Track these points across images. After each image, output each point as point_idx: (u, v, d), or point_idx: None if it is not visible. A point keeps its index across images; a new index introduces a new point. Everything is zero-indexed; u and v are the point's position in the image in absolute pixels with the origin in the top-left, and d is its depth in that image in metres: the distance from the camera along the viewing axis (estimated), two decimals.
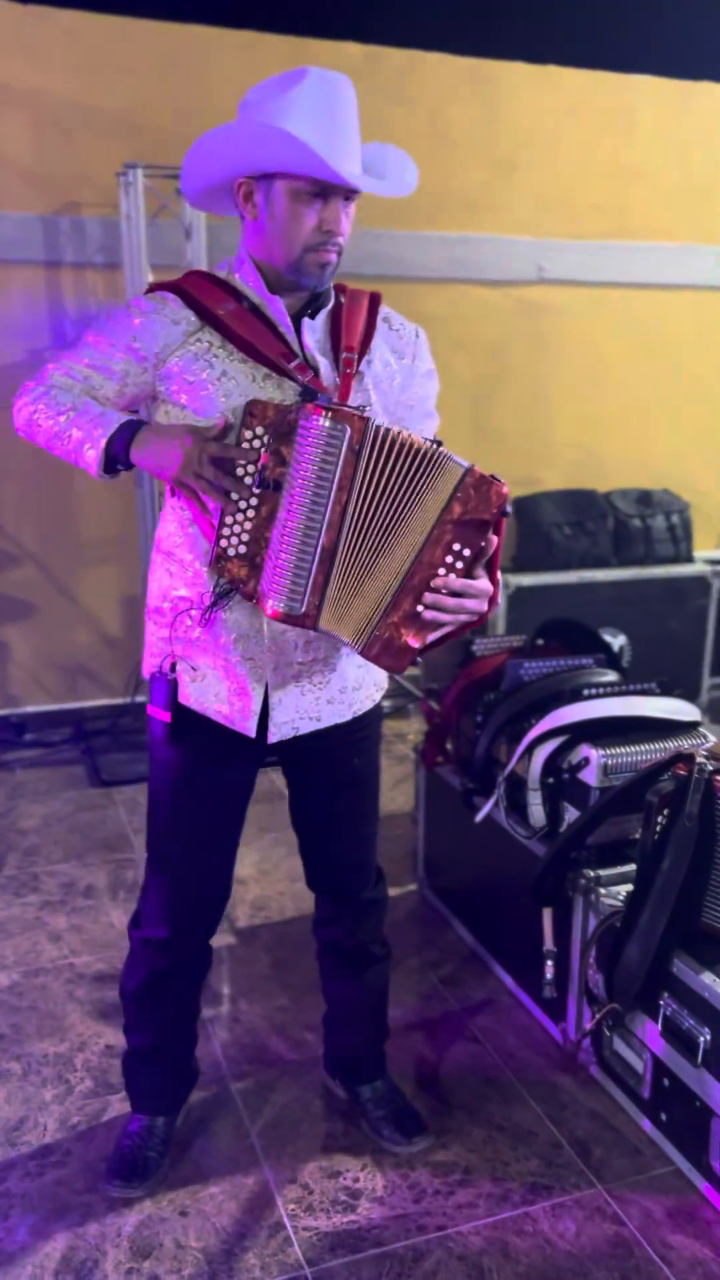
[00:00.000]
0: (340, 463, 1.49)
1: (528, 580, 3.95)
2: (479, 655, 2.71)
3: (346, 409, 1.51)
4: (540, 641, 2.73)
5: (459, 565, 1.54)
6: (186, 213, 3.52)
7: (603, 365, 4.42)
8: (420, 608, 1.54)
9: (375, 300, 1.72)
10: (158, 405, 1.66)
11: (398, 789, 3.47)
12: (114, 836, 3.20)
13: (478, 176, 4.08)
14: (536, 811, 2.29)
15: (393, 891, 2.85)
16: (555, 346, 4.34)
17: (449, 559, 1.53)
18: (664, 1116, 1.98)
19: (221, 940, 2.65)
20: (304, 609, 1.54)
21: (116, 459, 1.58)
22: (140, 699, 4.01)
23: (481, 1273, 1.74)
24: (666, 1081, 1.94)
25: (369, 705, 1.81)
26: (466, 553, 1.53)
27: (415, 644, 1.56)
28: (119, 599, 3.98)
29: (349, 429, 1.48)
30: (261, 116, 1.52)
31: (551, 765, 2.26)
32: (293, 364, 1.59)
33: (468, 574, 1.55)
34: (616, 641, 4.02)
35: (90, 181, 3.63)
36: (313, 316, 1.65)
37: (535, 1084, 2.17)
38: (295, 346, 1.62)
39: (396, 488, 1.51)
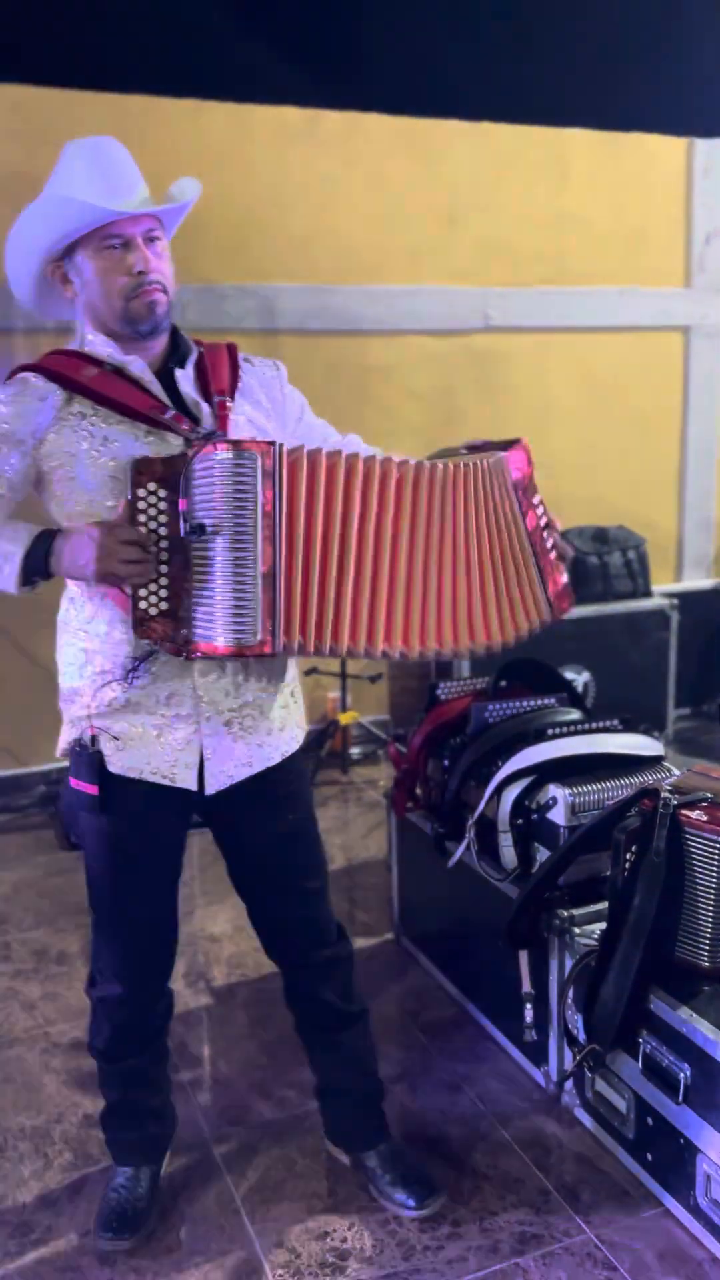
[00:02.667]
0: (258, 489, 1.51)
1: None
2: (443, 699, 2.73)
3: (244, 440, 1.53)
4: (503, 683, 2.76)
5: (541, 509, 1.82)
6: None
7: (551, 407, 4.50)
8: (552, 553, 1.83)
9: (233, 348, 1.78)
10: (45, 490, 1.67)
11: (370, 836, 3.46)
12: (85, 900, 3.15)
13: (420, 229, 4.18)
14: (508, 853, 2.30)
15: (369, 940, 2.85)
16: (504, 391, 4.42)
17: (539, 510, 1.81)
18: (649, 1156, 1.97)
19: (198, 1000, 2.62)
20: (258, 636, 1.53)
21: (35, 572, 1.59)
22: None
23: None
24: (650, 1120, 1.94)
25: (294, 747, 1.83)
26: (538, 497, 1.82)
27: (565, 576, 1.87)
28: None
29: (258, 454, 1.50)
30: (38, 199, 1.62)
31: (520, 806, 2.27)
32: (168, 414, 1.62)
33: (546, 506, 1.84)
34: (580, 679, 4.06)
35: None
36: (182, 366, 1.69)
37: (520, 1130, 2.16)
38: (164, 398, 1.65)
39: (471, 507, 1.68)
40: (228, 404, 1.67)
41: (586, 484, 4.56)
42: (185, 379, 1.68)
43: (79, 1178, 2.07)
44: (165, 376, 1.68)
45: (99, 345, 1.67)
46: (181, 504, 1.53)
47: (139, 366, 1.66)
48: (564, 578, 1.83)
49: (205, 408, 1.67)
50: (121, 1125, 1.97)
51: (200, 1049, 2.45)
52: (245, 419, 1.71)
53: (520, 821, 2.27)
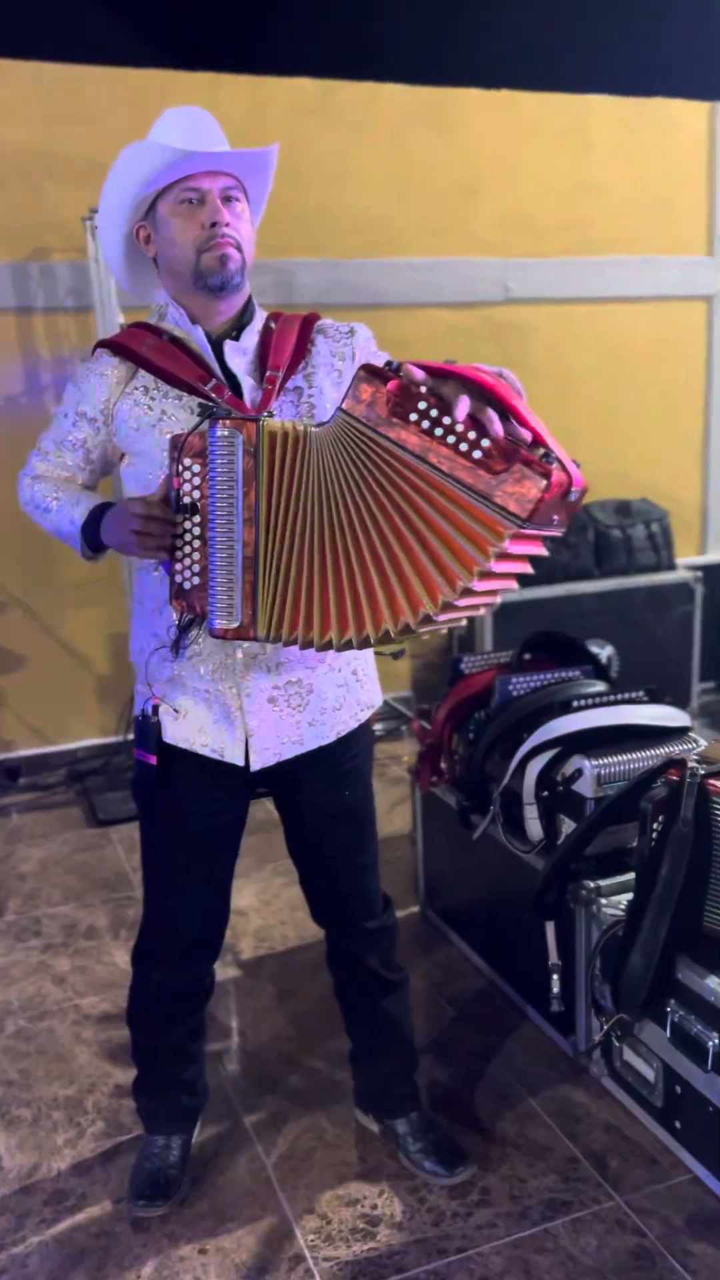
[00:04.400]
0: (239, 467, 1.48)
1: (512, 596, 3.97)
2: (467, 673, 2.73)
3: (243, 416, 1.52)
4: (527, 656, 2.75)
5: (434, 411, 1.34)
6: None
7: (573, 379, 4.46)
8: (475, 454, 1.32)
9: (309, 320, 1.75)
10: (120, 462, 1.73)
11: (394, 811, 3.47)
12: (113, 875, 3.19)
13: (440, 201, 4.14)
14: (533, 826, 2.30)
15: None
16: (525, 364, 4.38)
17: (425, 425, 1.35)
18: (678, 1124, 1.97)
19: (226, 973, 2.64)
20: (240, 621, 1.52)
21: (93, 546, 1.69)
22: (132, 736, 4.01)
23: None
24: (678, 1088, 1.94)
25: (354, 725, 1.81)
26: (421, 405, 1.35)
27: (516, 451, 1.32)
28: (106, 638, 3.99)
29: (240, 433, 1.48)
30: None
31: (545, 779, 2.27)
32: (209, 385, 1.62)
33: (442, 407, 1.35)
34: (604, 652, 4.05)
35: (58, 227, 3.66)
36: (236, 338, 1.68)
37: (548, 1099, 2.17)
38: (215, 369, 1.65)
39: (303, 473, 1.45)
40: (276, 379, 1.65)
41: (609, 456, 4.53)
42: (234, 351, 1.67)
43: (111, 1146, 2.10)
44: (220, 348, 1.68)
45: (170, 315, 1.69)
46: (176, 482, 1.53)
47: (199, 336, 1.66)
48: (521, 464, 1.31)
49: (249, 382, 1.65)
50: (155, 1096, 2.00)
51: (229, 1020, 2.48)
52: (317, 391, 1.68)
53: (545, 794, 2.27)
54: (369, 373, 1.38)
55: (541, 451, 1.33)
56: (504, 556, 1.36)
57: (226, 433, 1.48)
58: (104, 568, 3.85)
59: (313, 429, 1.47)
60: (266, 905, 2.96)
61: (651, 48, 4.21)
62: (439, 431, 1.34)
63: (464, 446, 1.33)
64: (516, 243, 4.28)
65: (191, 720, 1.71)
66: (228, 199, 1.63)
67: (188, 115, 1.67)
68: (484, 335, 4.29)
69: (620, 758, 2.19)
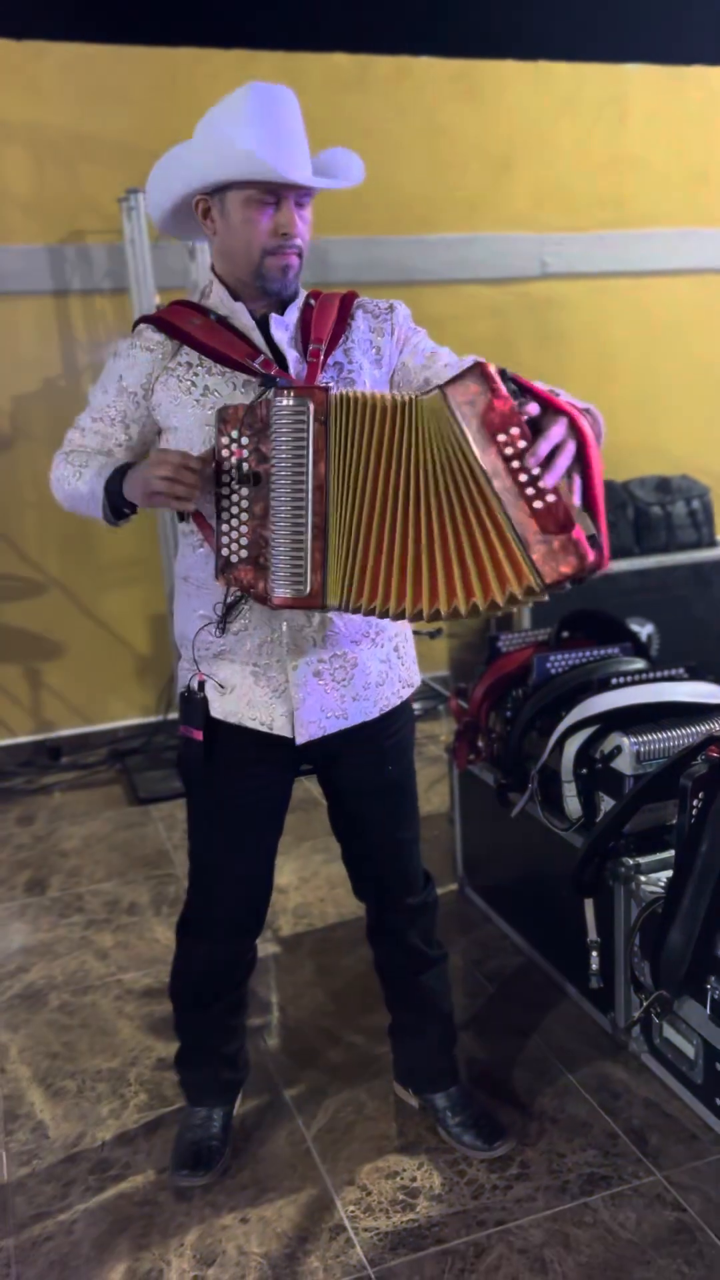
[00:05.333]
0: (310, 436, 1.49)
1: None
2: (505, 651, 2.72)
3: (306, 386, 1.51)
4: (565, 634, 2.74)
5: (523, 444, 1.41)
6: None
7: (611, 355, 4.42)
8: (536, 504, 1.40)
9: (349, 297, 1.75)
10: (160, 439, 1.72)
11: (432, 790, 3.47)
12: (154, 853, 3.23)
13: (475, 176, 4.10)
14: (572, 803, 2.29)
15: None
16: (563, 339, 4.34)
17: (509, 451, 1.41)
18: (719, 1100, 1.97)
19: (265, 949, 2.66)
20: (309, 589, 1.52)
21: (114, 498, 1.63)
22: (172, 715, 4.04)
23: (544, 1265, 1.74)
24: (719, 1065, 1.94)
25: (396, 702, 1.82)
26: (515, 431, 1.41)
27: (569, 525, 1.40)
28: (145, 618, 4.02)
29: (310, 402, 1.48)
30: (204, 135, 1.59)
31: (584, 756, 2.27)
32: (258, 360, 1.62)
33: (532, 442, 1.41)
34: (644, 630, 4.01)
35: (93, 209, 3.68)
36: (281, 313, 1.68)
37: (587, 1075, 2.17)
38: (262, 346, 1.65)
39: (385, 445, 1.48)
40: (320, 353, 1.64)
41: (648, 432, 4.48)
42: (280, 326, 1.67)
43: (154, 1118, 2.13)
44: (265, 324, 1.68)
45: (214, 292, 1.69)
46: (237, 451, 1.53)
47: (242, 314, 1.66)
48: (571, 535, 1.40)
49: (293, 355, 1.65)
50: (197, 1068, 2.02)
51: (269, 995, 2.50)
52: (355, 366, 1.68)
53: (584, 771, 2.27)
54: (483, 374, 1.41)
55: (591, 533, 1.42)
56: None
57: (293, 402, 1.48)
58: (142, 548, 3.90)
59: (385, 396, 1.48)
60: (305, 882, 2.98)
61: (689, 15, 4.13)
62: (515, 464, 1.41)
63: (530, 491, 1.41)
64: (552, 217, 4.23)
65: (239, 694, 1.72)
66: (300, 201, 1.61)
67: (277, 109, 1.57)
68: (521, 311, 4.26)
69: (660, 735, 2.17)
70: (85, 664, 3.98)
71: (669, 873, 2.00)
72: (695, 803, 1.89)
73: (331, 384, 1.62)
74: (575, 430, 1.43)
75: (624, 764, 2.17)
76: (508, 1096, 2.13)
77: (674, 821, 2.09)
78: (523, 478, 1.41)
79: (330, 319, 1.69)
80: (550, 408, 1.44)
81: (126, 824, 3.44)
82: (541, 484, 1.40)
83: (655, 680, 2.38)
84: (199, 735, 1.73)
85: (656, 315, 4.43)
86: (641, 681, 2.37)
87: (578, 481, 1.44)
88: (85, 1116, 2.14)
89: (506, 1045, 2.28)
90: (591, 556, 1.40)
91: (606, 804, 2.23)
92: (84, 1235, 1.86)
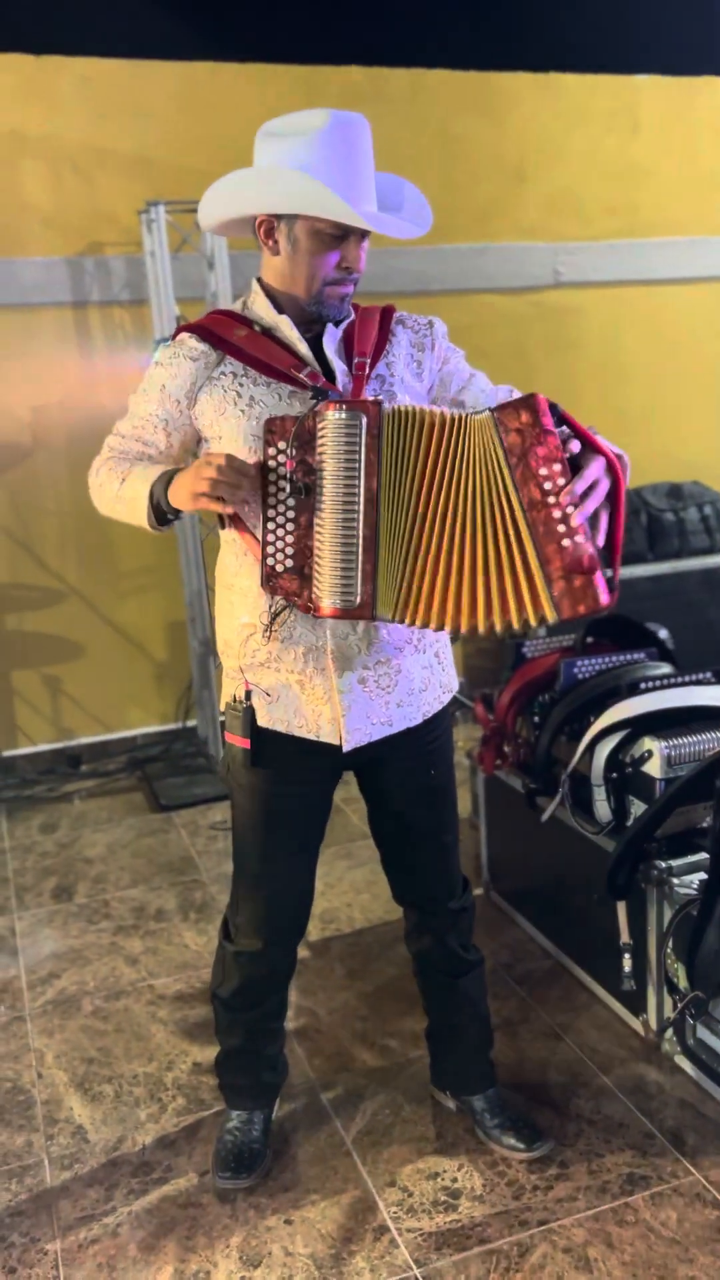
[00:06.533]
0: (363, 449, 1.51)
1: None
2: (530, 657, 2.75)
3: (359, 400, 1.54)
4: (589, 639, 2.76)
5: (561, 480, 1.47)
6: (208, 245, 3.59)
7: (624, 362, 4.45)
8: (565, 542, 1.46)
9: (388, 311, 1.77)
10: (202, 448, 1.74)
11: None
12: (178, 859, 3.25)
13: (488, 187, 4.14)
14: (602, 807, 2.32)
15: None
16: (576, 347, 4.38)
17: (548, 485, 1.47)
18: None
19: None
20: (358, 600, 1.55)
21: (159, 503, 1.64)
22: (191, 722, 4.07)
23: (588, 1264, 1.76)
24: None
25: (437, 708, 1.84)
26: (556, 467, 1.47)
27: (592, 569, 1.46)
28: (163, 625, 4.04)
29: (364, 416, 1.51)
30: (281, 159, 1.58)
31: (614, 760, 2.29)
32: (304, 372, 1.64)
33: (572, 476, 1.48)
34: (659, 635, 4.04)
35: (113, 221, 3.71)
36: (336, 325, 1.71)
37: (621, 1077, 2.19)
38: (308, 356, 1.67)
39: (434, 461, 1.52)
40: (365, 365, 1.67)
41: (661, 439, 4.51)
42: (331, 340, 1.69)
43: (194, 1121, 2.15)
44: (315, 340, 1.70)
45: (257, 307, 1.71)
46: (288, 463, 1.55)
47: (290, 326, 1.68)
48: (590, 568, 1.47)
49: (341, 368, 1.68)
50: (237, 1071, 2.04)
51: (302, 1000, 2.52)
52: (397, 380, 1.70)
53: (614, 775, 2.29)
54: (536, 408, 1.46)
55: (609, 577, 1.49)
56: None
57: (346, 415, 1.51)
58: (160, 554, 3.92)
59: (438, 413, 1.51)
60: (331, 888, 3.00)
61: (699, 27, 4.18)
62: (552, 500, 1.47)
63: (562, 528, 1.47)
64: (565, 226, 4.27)
65: (285, 703, 1.75)
66: (364, 235, 1.63)
67: (351, 146, 1.58)
68: (535, 319, 4.29)
69: (691, 738, 2.20)
70: (105, 672, 4.00)
71: (702, 875, 2.02)
72: None
73: (381, 397, 1.65)
74: (611, 471, 1.50)
75: (655, 768, 2.19)
76: (544, 1098, 2.15)
77: (706, 824, 2.11)
78: (556, 514, 1.47)
79: (373, 333, 1.71)
80: (591, 448, 1.50)
81: (149, 830, 3.46)
82: (572, 523, 1.46)
83: (683, 684, 2.41)
84: (246, 743, 1.75)
85: (669, 323, 4.47)
86: (669, 686, 2.40)
87: (604, 520, 1.50)
88: (124, 1120, 2.16)
89: (539, 1048, 2.30)
90: (605, 600, 1.47)
91: (637, 808, 2.25)
92: (130, 1238, 1.88)
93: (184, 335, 1.72)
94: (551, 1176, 1.95)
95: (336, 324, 1.71)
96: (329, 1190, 1.95)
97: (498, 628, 1.51)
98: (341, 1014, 2.46)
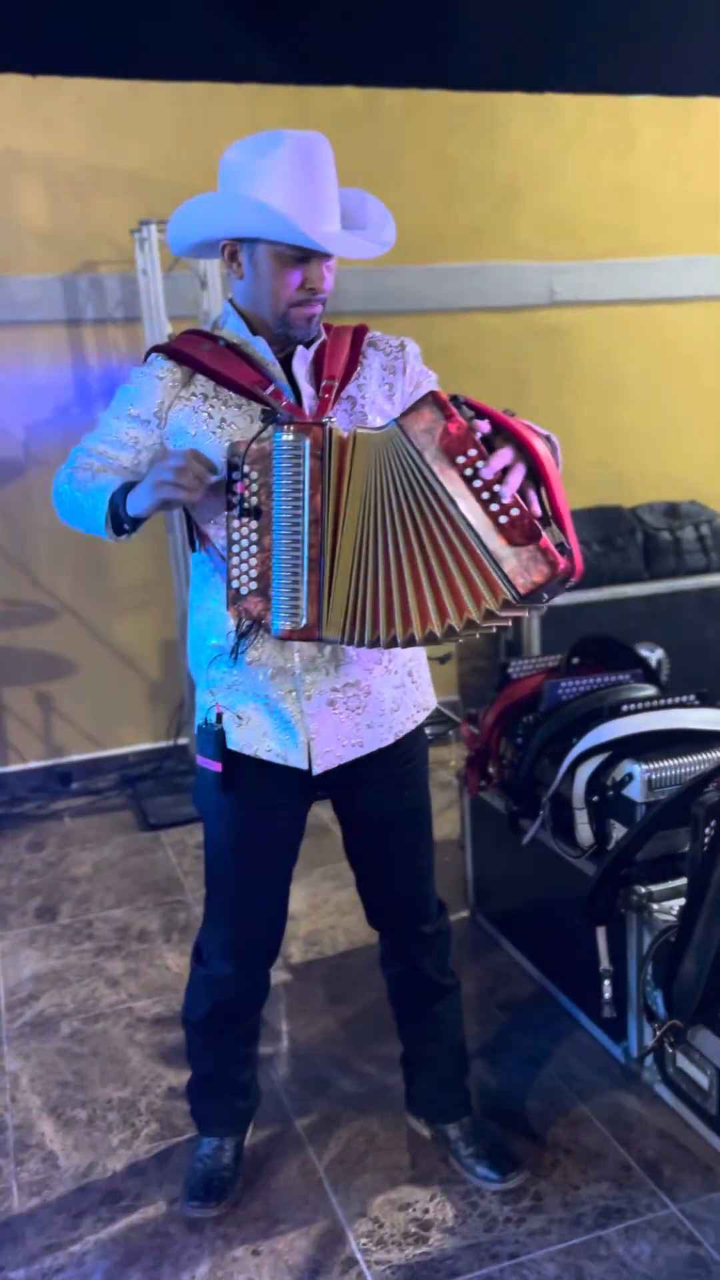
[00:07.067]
0: (306, 471, 1.51)
1: (559, 599, 3.93)
2: (515, 677, 2.73)
3: (307, 421, 1.54)
4: (575, 660, 2.74)
5: (481, 464, 1.43)
6: (201, 265, 3.59)
7: (620, 381, 4.44)
8: (502, 519, 1.43)
9: (360, 331, 1.77)
10: None
11: (443, 816, 3.46)
12: (164, 879, 3.23)
13: (482, 206, 4.14)
14: (584, 831, 2.29)
15: None
16: (571, 366, 4.37)
17: (468, 472, 1.44)
18: None
19: (277, 977, 2.65)
20: (304, 621, 1.54)
21: (117, 510, 1.60)
22: (183, 740, 4.05)
23: None
24: None
25: (410, 727, 1.82)
26: (472, 452, 1.43)
27: (535, 535, 1.43)
28: (156, 643, 4.03)
29: (308, 438, 1.51)
30: (241, 183, 1.58)
31: (595, 783, 2.26)
32: (268, 390, 1.63)
33: (490, 460, 1.44)
34: (654, 655, 4.00)
35: (107, 240, 3.72)
36: (307, 346, 1.70)
37: (600, 1105, 2.16)
38: (274, 377, 1.66)
39: (368, 477, 1.50)
40: (332, 389, 1.66)
41: (658, 458, 4.50)
42: (301, 361, 1.68)
43: (166, 1147, 2.12)
44: (287, 361, 1.69)
45: (229, 322, 1.70)
46: (239, 487, 1.55)
47: (261, 346, 1.67)
48: (539, 544, 1.43)
49: (309, 391, 1.67)
50: (209, 1097, 2.02)
51: (280, 1024, 2.49)
52: (369, 401, 1.69)
53: (596, 798, 2.26)
54: (435, 401, 1.45)
55: (559, 540, 1.46)
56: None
57: (293, 437, 1.51)
58: (153, 572, 3.92)
59: (362, 431, 1.51)
60: (316, 909, 2.98)
61: (694, 48, 4.18)
62: (477, 483, 1.44)
63: (494, 507, 1.44)
64: (560, 246, 4.27)
65: (254, 726, 1.73)
66: (328, 255, 1.63)
67: (310, 167, 1.57)
68: (529, 339, 4.29)
69: (672, 762, 2.17)
70: (97, 689, 3.99)
71: (682, 900, 1.99)
72: (708, 830, 1.89)
73: (335, 419, 1.63)
74: (525, 447, 1.45)
75: (635, 791, 2.17)
76: (521, 1127, 2.11)
77: (686, 849, 2.09)
78: (485, 495, 1.44)
79: (343, 354, 1.71)
80: (502, 428, 1.47)
81: (137, 850, 3.44)
82: (503, 499, 1.43)
83: (667, 707, 2.38)
84: (218, 767, 1.74)
85: (664, 342, 4.46)
86: (653, 708, 2.37)
87: (534, 495, 1.46)
88: (96, 1146, 2.14)
89: (519, 1075, 2.27)
90: (562, 563, 1.44)
91: (618, 831, 2.23)
92: (94, 1267, 1.85)
93: (154, 355, 1.72)
94: (525, 1208, 1.91)
95: (307, 345, 1.70)
96: (299, 1220, 1.92)
97: (458, 626, 1.48)
98: (320, 1039, 2.43)
